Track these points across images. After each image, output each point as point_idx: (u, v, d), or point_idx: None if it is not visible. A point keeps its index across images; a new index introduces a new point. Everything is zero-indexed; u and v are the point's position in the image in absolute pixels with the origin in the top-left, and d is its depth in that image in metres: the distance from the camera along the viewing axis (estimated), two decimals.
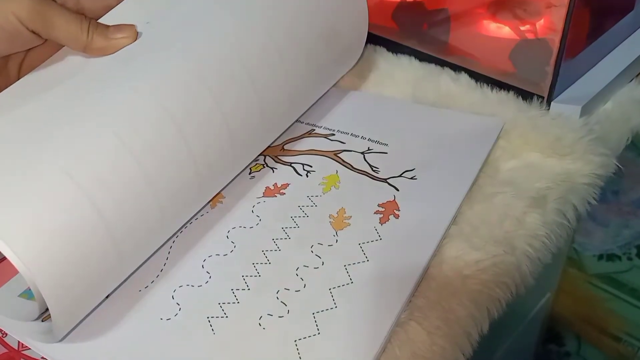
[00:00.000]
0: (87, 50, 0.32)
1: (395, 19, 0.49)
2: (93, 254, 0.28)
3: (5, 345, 0.32)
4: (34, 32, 0.31)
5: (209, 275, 0.33)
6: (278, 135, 0.39)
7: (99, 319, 0.31)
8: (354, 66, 0.45)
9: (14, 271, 0.35)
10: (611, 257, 1.06)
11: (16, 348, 0.31)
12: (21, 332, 0.31)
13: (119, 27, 0.32)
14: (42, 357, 0.30)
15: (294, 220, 0.35)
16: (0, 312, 0.32)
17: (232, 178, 0.37)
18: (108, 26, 0.32)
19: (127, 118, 0.30)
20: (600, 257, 1.06)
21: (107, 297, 0.32)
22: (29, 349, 0.31)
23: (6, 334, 0.32)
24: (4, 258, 0.35)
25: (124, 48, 0.32)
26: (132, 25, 0.32)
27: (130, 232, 0.29)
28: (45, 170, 0.28)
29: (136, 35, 0.32)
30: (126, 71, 0.31)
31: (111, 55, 0.32)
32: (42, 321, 0.32)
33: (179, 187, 0.31)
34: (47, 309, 0.31)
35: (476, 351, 0.31)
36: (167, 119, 0.30)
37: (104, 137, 0.29)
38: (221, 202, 0.37)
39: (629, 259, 1.06)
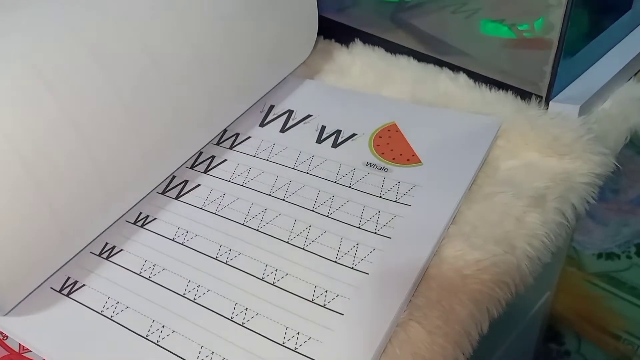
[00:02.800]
0: None
1: (393, 18, 0.49)
2: (34, 232, 0.29)
3: (6, 347, 0.32)
4: None
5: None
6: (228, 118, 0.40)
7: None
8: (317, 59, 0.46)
9: None
10: (610, 255, 1.06)
11: (17, 351, 0.31)
12: None
13: None
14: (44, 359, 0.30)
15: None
16: None
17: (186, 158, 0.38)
18: None
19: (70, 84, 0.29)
20: (600, 255, 1.06)
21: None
22: (30, 351, 0.31)
23: (7, 337, 0.32)
24: None
25: None
26: None
27: (70, 203, 0.30)
28: None
29: None
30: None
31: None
32: None
33: (121, 161, 0.32)
34: None
35: (476, 350, 0.31)
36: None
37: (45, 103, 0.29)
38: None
39: (629, 257, 1.06)
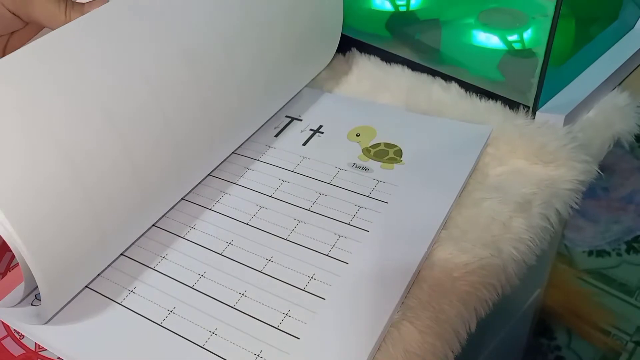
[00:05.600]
0: None
1: (388, 28, 0.51)
2: (77, 230, 0.30)
3: (23, 346, 0.33)
4: (14, 15, 0.32)
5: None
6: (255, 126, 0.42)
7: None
8: (333, 69, 0.48)
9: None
10: (601, 253, 1.08)
11: (33, 349, 0.33)
12: (14, 319, 0.33)
13: (92, 4, 0.33)
14: (59, 358, 0.32)
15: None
16: (13, 312, 0.34)
17: (216, 165, 0.40)
18: (82, 3, 0.33)
19: (111, 91, 0.31)
20: (590, 253, 1.09)
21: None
22: (46, 350, 0.33)
23: (23, 336, 0.34)
24: (16, 265, 0.38)
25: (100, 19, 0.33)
26: (105, 1, 0.34)
27: (112, 208, 0.31)
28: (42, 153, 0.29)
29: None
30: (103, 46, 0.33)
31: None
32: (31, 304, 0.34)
33: (159, 167, 0.33)
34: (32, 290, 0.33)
35: (466, 347, 0.34)
36: (148, 94, 0.32)
37: (90, 109, 0.30)
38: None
39: (619, 254, 1.08)
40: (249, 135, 0.43)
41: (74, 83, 0.30)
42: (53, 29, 0.33)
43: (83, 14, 0.33)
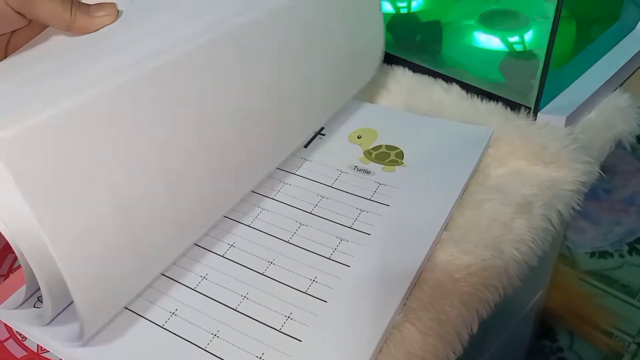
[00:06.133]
0: (71, 29, 0.33)
1: (390, 30, 0.51)
2: (118, 257, 0.30)
3: (25, 348, 0.33)
4: (18, 13, 0.32)
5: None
6: (293, 146, 0.41)
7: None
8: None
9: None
10: (603, 254, 1.08)
11: (35, 351, 0.33)
12: (17, 320, 0.33)
13: (100, 6, 0.33)
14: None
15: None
16: (18, 315, 0.34)
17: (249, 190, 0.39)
18: (89, 5, 0.33)
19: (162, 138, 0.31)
20: (593, 254, 1.09)
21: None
22: (48, 351, 0.33)
23: (25, 338, 0.34)
24: (18, 267, 0.38)
25: (107, 26, 0.33)
26: (113, 4, 0.33)
27: (151, 237, 0.31)
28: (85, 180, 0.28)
29: (117, 14, 0.33)
30: (108, 48, 0.32)
31: (94, 33, 0.33)
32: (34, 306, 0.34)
33: (197, 192, 0.33)
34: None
35: (467, 348, 0.34)
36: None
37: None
38: None
39: (621, 256, 1.08)
40: (287, 156, 0.42)
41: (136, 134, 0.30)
42: (57, 28, 0.33)
43: (89, 15, 0.33)
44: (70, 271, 0.27)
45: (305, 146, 0.43)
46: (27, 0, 0.31)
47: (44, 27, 0.35)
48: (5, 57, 0.35)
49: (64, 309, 0.33)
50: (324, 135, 0.44)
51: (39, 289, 0.30)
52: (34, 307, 0.34)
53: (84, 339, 0.31)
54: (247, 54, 0.35)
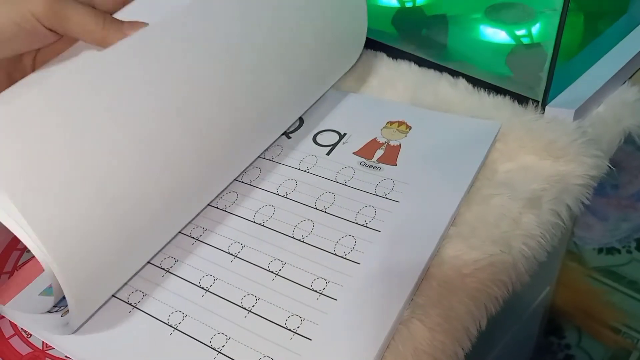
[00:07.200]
0: (102, 44, 0.33)
1: (395, 24, 0.51)
2: (108, 244, 0.30)
3: (30, 345, 0.33)
4: (51, 30, 0.32)
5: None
6: (277, 134, 0.41)
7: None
8: (350, 69, 0.47)
9: (36, 274, 0.37)
10: (611, 250, 1.08)
11: (41, 348, 0.33)
12: (39, 327, 0.33)
13: (132, 24, 0.33)
14: (66, 357, 0.32)
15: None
16: (24, 311, 0.34)
17: (239, 173, 0.40)
18: (123, 22, 0.33)
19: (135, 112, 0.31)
20: (600, 250, 1.08)
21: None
22: (53, 348, 0.33)
23: (30, 335, 0.34)
24: (23, 264, 0.37)
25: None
26: (145, 24, 0.33)
27: (138, 215, 0.31)
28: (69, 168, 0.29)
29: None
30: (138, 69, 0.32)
31: (124, 50, 0.33)
32: (61, 316, 0.34)
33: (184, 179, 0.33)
34: (61, 301, 0.33)
35: (476, 345, 0.33)
36: (172, 113, 0.32)
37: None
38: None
39: (629, 252, 1.07)
40: (272, 141, 0.42)
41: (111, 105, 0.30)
42: (89, 43, 0.33)
43: (122, 31, 0.32)
44: (58, 259, 0.28)
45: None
46: (60, 17, 0.31)
47: (74, 40, 0.34)
48: (33, 71, 0.35)
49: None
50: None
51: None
52: (62, 316, 0.34)
53: (73, 326, 0.31)
54: (229, 35, 0.35)
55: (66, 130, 0.29)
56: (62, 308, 0.34)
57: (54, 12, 0.31)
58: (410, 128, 0.42)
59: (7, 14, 0.30)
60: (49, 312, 0.34)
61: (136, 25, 0.33)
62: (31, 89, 0.29)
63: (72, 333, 0.32)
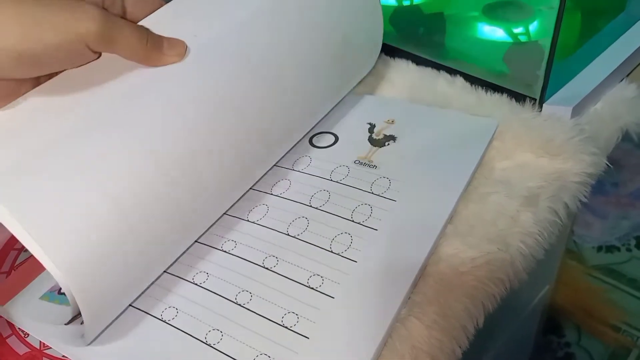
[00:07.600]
0: (142, 62, 0.33)
1: (392, 23, 0.51)
2: (121, 260, 0.30)
3: (28, 344, 0.33)
4: (96, 51, 0.32)
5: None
6: (292, 143, 0.41)
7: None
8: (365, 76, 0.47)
9: (34, 274, 0.37)
10: (610, 248, 1.08)
11: (38, 347, 0.33)
12: (50, 336, 0.33)
13: (171, 43, 0.33)
14: (63, 356, 0.32)
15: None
16: (25, 315, 0.34)
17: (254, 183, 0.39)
18: (162, 39, 0.33)
19: (154, 131, 0.31)
20: (600, 248, 1.08)
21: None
22: (50, 348, 0.33)
23: (28, 334, 0.34)
24: (21, 264, 0.37)
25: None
26: (183, 43, 0.33)
27: (153, 234, 0.31)
28: (82, 185, 0.29)
29: (184, 56, 0.33)
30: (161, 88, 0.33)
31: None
32: (66, 324, 0.34)
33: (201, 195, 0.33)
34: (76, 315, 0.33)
35: (473, 343, 0.33)
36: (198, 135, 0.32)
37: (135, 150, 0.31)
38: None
39: (628, 250, 1.07)
40: (287, 151, 0.42)
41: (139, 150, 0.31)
42: (130, 60, 0.33)
43: (162, 51, 0.33)
44: (69, 271, 0.27)
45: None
46: (108, 40, 0.31)
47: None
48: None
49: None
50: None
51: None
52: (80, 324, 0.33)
53: (88, 339, 0.31)
54: (250, 47, 0.35)
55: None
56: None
57: (103, 38, 0.30)
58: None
59: (54, 38, 0.29)
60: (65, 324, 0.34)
61: (175, 45, 0.33)
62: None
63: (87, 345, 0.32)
